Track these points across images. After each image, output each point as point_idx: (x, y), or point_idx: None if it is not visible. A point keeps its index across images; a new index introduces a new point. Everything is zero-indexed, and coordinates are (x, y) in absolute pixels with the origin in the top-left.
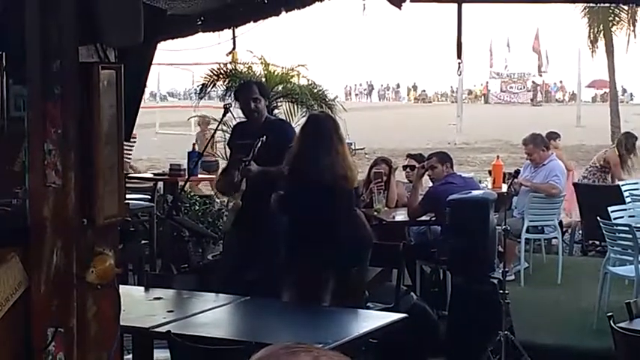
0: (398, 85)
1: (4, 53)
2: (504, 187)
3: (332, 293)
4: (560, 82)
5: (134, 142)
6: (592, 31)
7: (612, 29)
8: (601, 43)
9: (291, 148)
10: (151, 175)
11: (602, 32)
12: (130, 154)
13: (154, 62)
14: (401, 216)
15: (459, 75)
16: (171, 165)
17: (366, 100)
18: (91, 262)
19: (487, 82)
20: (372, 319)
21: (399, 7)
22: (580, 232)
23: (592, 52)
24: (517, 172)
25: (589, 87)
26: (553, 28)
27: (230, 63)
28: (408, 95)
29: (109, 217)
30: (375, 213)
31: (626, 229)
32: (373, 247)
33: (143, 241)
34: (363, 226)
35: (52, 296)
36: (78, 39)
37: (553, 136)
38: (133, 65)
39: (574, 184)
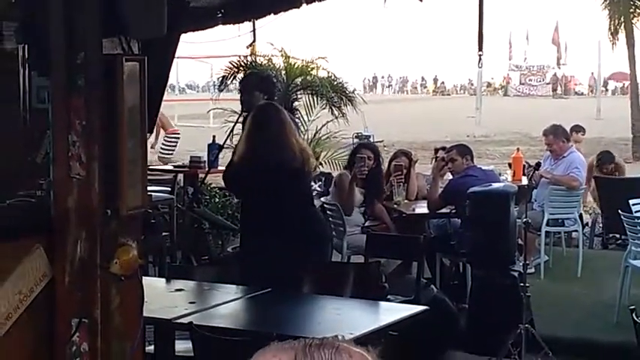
0: (422, 79)
1: (26, 45)
2: (524, 180)
3: (351, 286)
4: (592, 73)
5: (177, 136)
6: (612, 22)
7: (633, 21)
8: (621, 35)
9: (239, 145)
10: (171, 168)
11: (623, 24)
12: (173, 149)
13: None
14: (421, 208)
15: (480, 67)
16: (191, 157)
17: (387, 93)
18: (115, 254)
19: (508, 74)
20: (393, 312)
21: None
22: (600, 225)
23: (612, 44)
24: (538, 164)
25: (609, 79)
26: (573, 20)
27: (250, 55)
28: (425, 88)
29: (133, 208)
30: (395, 205)
31: None
32: (394, 240)
33: (164, 233)
34: (318, 222)
35: (76, 287)
36: (102, 31)
37: (577, 129)
38: (156, 57)
39: (594, 177)
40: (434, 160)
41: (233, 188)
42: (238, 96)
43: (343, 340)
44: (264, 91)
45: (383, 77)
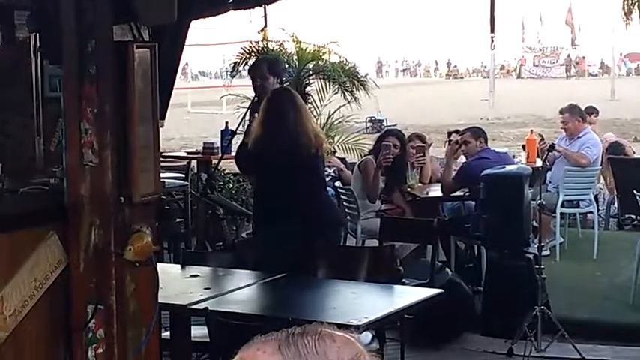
0: (436, 62)
1: (38, 34)
2: (539, 162)
3: (366, 269)
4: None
5: None
6: (626, 2)
7: None
8: (635, 15)
9: (253, 129)
10: (185, 154)
11: (637, 3)
12: None
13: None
14: (435, 192)
15: (492, 49)
16: (204, 144)
17: (400, 76)
18: (129, 240)
19: (523, 56)
20: (408, 295)
21: None
22: (616, 206)
23: (626, 24)
24: (552, 146)
25: (623, 60)
26: (586, 1)
27: (261, 41)
28: (437, 71)
29: (146, 195)
30: (409, 189)
31: None
32: (408, 223)
33: (178, 220)
34: (331, 207)
35: (91, 274)
36: (112, 18)
37: (590, 110)
38: (166, 44)
39: (609, 159)
40: (447, 143)
41: (246, 170)
42: (251, 82)
43: (325, 326)
44: (277, 75)
45: (397, 61)
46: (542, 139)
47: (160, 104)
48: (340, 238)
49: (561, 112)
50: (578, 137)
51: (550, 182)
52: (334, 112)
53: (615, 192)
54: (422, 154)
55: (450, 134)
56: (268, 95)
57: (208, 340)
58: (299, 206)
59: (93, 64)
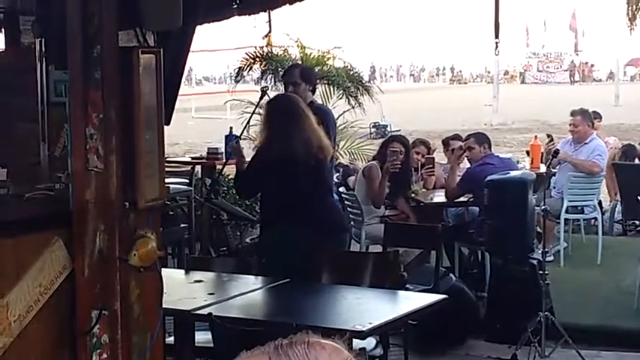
0: (443, 68)
1: (43, 39)
2: (543, 167)
3: (370, 275)
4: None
5: None
6: (630, 8)
7: None
8: (639, 20)
9: (261, 135)
10: (189, 159)
11: None
12: None
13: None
14: (439, 197)
15: (497, 54)
16: (208, 149)
17: (402, 82)
18: (134, 245)
19: (528, 61)
20: (412, 301)
21: None
22: (620, 211)
23: (630, 29)
24: (556, 152)
25: (627, 65)
26: (590, 6)
27: (266, 46)
28: (442, 76)
29: (151, 200)
30: (413, 195)
31: None
32: (412, 229)
33: (182, 225)
34: (336, 211)
35: (95, 279)
36: (118, 24)
37: (595, 115)
38: (172, 49)
39: (613, 164)
40: (444, 151)
41: (244, 190)
42: (257, 86)
43: (311, 335)
44: (309, 82)
45: (401, 66)
46: (552, 140)
47: (165, 109)
48: (345, 242)
49: (573, 114)
50: (586, 143)
51: (554, 188)
52: (338, 118)
53: (619, 197)
54: (431, 165)
55: (446, 143)
56: (271, 101)
57: (212, 345)
58: (303, 211)
59: (98, 69)
